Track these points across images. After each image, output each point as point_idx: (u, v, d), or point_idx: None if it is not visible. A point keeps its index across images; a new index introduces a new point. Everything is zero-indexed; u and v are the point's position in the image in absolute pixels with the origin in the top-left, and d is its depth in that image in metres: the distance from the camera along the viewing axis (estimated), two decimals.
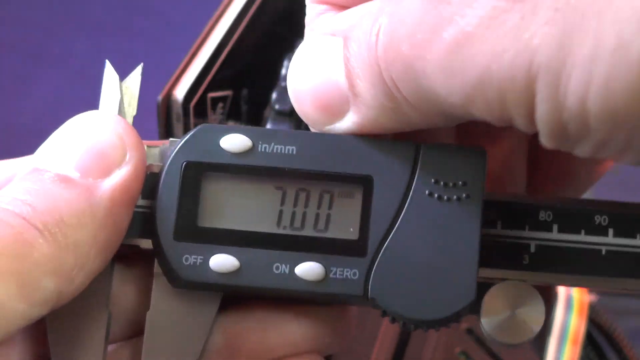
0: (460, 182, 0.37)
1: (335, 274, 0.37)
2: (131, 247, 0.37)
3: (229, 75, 0.62)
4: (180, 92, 0.57)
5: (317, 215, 0.37)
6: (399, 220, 0.37)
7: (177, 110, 0.57)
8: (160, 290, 0.38)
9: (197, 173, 0.37)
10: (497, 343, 0.36)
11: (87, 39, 1.33)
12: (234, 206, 0.37)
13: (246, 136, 0.37)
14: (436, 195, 0.37)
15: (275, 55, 0.64)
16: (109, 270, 0.37)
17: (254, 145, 0.37)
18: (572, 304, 0.65)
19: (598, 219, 0.38)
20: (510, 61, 0.30)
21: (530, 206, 0.38)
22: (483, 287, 0.37)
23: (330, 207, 0.37)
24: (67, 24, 1.36)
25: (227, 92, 0.62)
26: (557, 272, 0.37)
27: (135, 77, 0.39)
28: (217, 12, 0.63)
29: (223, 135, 0.37)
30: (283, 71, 0.62)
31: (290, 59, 0.62)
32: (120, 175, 0.35)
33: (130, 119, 0.38)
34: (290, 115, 0.60)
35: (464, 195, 0.37)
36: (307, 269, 0.37)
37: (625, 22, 0.29)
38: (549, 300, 0.37)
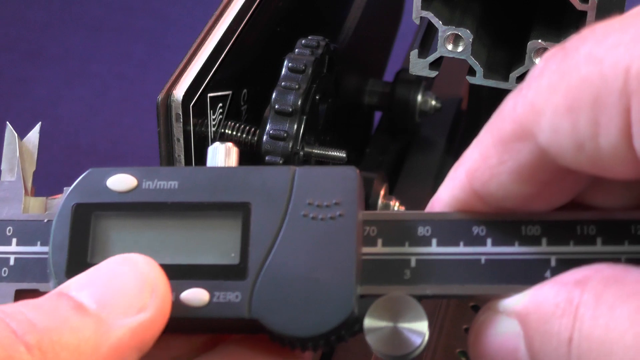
0: (333, 202, 0.38)
1: (218, 298, 0.38)
2: (32, 291, 0.39)
3: (229, 75, 0.61)
4: (179, 92, 0.57)
5: (201, 244, 0.39)
6: (277, 242, 0.38)
7: (177, 110, 0.57)
8: None
9: (86, 213, 0.39)
10: (384, 357, 0.37)
11: (86, 39, 1.33)
12: (122, 241, 0.39)
13: (131, 175, 0.40)
14: (310, 216, 0.38)
15: (275, 55, 0.64)
16: None
17: (138, 183, 0.40)
18: None
19: (476, 229, 0.38)
20: None
21: (409, 222, 0.39)
22: (367, 305, 0.37)
23: (213, 236, 0.39)
24: (66, 24, 1.36)
25: (227, 92, 0.62)
26: (438, 284, 0.38)
27: (34, 136, 0.41)
28: (217, 12, 0.63)
29: (109, 176, 0.40)
30: (283, 71, 0.61)
31: (290, 59, 0.62)
32: (136, 320, 0.36)
33: (29, 176, 0.40)
34: (290, 115, 0.59)
35: (337, 214, 0.38)
36: (191, 294, 0.38)
37: None
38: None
